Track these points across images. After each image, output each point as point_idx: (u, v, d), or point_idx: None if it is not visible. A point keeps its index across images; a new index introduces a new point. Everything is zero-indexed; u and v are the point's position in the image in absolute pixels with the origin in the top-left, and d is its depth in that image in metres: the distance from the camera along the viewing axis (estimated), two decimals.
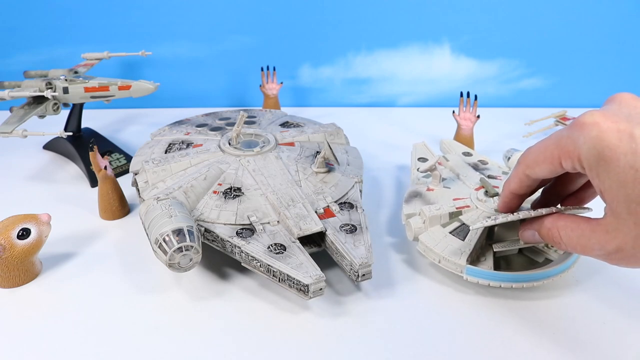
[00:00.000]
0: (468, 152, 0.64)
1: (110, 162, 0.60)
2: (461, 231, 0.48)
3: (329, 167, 0.56)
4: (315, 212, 0.49)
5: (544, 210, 0.41)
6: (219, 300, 0.46)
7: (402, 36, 0.93)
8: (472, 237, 0.47)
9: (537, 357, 0.40)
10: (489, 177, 0.56)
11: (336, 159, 0.55)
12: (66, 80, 0.64)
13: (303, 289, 0.42)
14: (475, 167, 0.59)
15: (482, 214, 0.49)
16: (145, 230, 0.45)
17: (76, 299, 0.47)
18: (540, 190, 0.45)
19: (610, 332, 0.42)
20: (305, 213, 0.48)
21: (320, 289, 0.42)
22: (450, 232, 0.48)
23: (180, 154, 0.57)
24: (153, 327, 0.43)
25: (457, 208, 0.50)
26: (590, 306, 0.45)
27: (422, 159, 0.62)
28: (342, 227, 0.48)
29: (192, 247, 0.42)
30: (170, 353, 0.41)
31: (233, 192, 0.51)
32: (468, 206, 0.50)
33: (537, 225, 0.41)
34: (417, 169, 0.58)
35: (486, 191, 0.51)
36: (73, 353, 0.41)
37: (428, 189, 0.54)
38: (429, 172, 0.55)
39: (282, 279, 0.43)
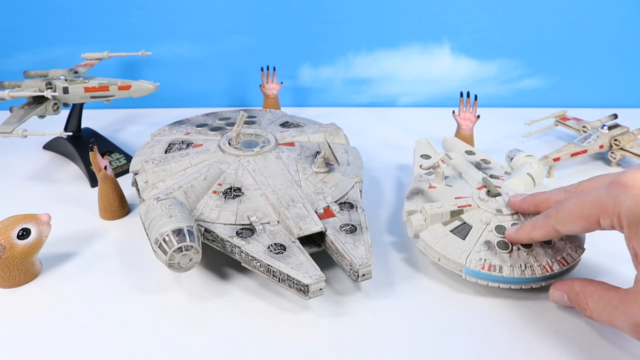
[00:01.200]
0: (471, 151, 0.63)
1: (110, 162, 0.60)
2: (462, 230, 0.48)
3: (329, 167, 0.56)
4: (315, 212, 0.49)
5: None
6: (219, 300, 0.46)
7: (402, 36, 0.93)
8: (473, 237, 0.47)
9: (538, 357, 0.40)
10: (492, 176, 0.56)
11: (336, 159, 0.55)
12: (66, 80, 0.64)
13: (303, 289, 0.42)
14: (478, 167, 0.59)
15: (483, 214, 0.49)
16: (145, 230, 0.45)
17: (76, 299, 0.47)
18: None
19: (611, 335, 0.42)
20: (305, 213, 0.48)
21: (320, 289, 0.42)
22: (451, 231, 0.48)
23: (180, 154, 0.57)
24: (153, 327, 0.43)
25: (458, 207, 0.49)
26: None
27: (425, 156, 0.62)
28: (342, 227, 0.48)
29: (192, 247, 0.42)
30: (170, 353, 0.41)
31: (233, 192, 0.51)
32: (470, 205, 0.50)
33: (566, 287, 0.40)
34: (420, 166, 0.58)
35: (488, 191, 0.51)
36: (73, 353, 0.41)
37: (430, 187, 0.54)
38: (431, 170, 0.55)
39: (282, 279, 0.43)
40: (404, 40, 0.93)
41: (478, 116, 0.72)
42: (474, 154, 0.63)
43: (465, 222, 0.48)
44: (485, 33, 0.91)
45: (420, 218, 0.49)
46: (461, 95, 0.72)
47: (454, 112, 0.73)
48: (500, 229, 0.47)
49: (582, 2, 0.88)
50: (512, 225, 0.47)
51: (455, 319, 0.44)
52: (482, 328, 0.43)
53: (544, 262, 0.45)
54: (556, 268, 0.44)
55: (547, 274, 0.44)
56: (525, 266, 0.44)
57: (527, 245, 0.45)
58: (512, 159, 0.61)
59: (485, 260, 0.45)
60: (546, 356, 0.40)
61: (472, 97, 0.72)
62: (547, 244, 0.46)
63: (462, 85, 0.94)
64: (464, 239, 0.47)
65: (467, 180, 0.55)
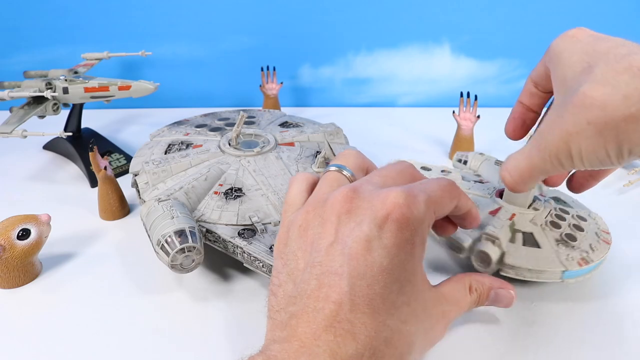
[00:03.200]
0: (426, 167, 0.59)
1: (110, 163, 0.60)
2: (529, 239, 0.46)
3: None
4: None
5: None
6: (220, 301, 0.46)
7: (402, 36, 0.93)
8: (544, 241, 0.46)
9: (536, 358, 0.40)
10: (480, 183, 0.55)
11: None
12: (66, 80, 0.64)
13: None
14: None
15: (526, 216, 0.48)
16: (146, 231, 0.45)
17: (76, 299, 0.47)
18: None
19: (608, 337, 0.42)
20: None
21: None
22: (523, 245, 0.46)
23: (180, 155, 0.57)
24: (154, 328, 0.43)
25: (509, 219, 0.47)
26: (592, 308, 0.45)
27: (446, 172, 0.58)
28: None
29: (194, 247, 0.42)
30: (172, 354, 0.41)
31: (234, 193, 0.51)
32: (514, 214, 0.48)
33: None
34: None
35: (501, 193, 0.51)
36: (73, 353, 0.41)
37: None
38: None
39: None
40: (404, 40, 0.93)
41: (478, 116, 0.72)
42: (430, 169, 0.59)
43: (523, 232, 0.47)
44: (485, 33, 0.92)
45: (493, 247, 0.45)
46: (461, 95, 0.72)
47: (454, 112, 0.73)
48: (554, 224, 0.47)
49: (582, 2, 0.88)
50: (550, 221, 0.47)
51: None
52: (483, 325, 0.43)
53: (599, 238, 0.47)
54: (608, 239, 0.47)
55: (609, 244, 0.46)
56: (595, 246, 0.46)
57: (579, 228, 0.47)
58: (466, 162, 0.60)
59: (573, 257, 0.44)
60: (545, 357, 0.40)
61: (472, 97, 0.72)
62: (581, 218, 0.49)
63: (462, 85, 0.94)
64: (540, 247, 0.45)
65: (478, 192, 0.53)
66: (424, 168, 0.59)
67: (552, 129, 0.32)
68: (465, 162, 0.60)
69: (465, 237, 0.46)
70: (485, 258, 0.44)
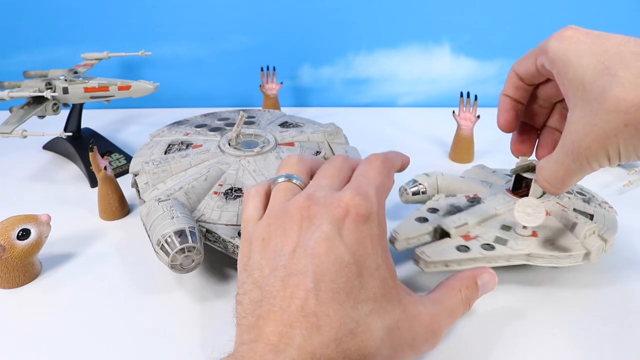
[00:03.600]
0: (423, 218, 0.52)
1: (110, 163, 0.60)
2: (586, 215, 0.48)
3: None
4: None
5: None
6: (221, 301, 0.46)
7: (402, 36, 0.93)
8: (589, 210, 0.49)
9: (537, 357, 0.40)
10: (475, 200, 0.52)
11: None
12: (66, 80, 0.64)
13: None
14: (457, 209, 0.52)
15: (556, 205, 0.49)
16: (146, 231, 0.45)
17: (76, 299, 0.47)
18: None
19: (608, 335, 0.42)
20: None
21: None
22: (593, 222, 0.47)
23: (180, 155, 0.57)
24: (154, 328, 0.43)
25: (567, 208, 0.48)
26: (591, 306, 0.45)
27: (432, 210, 0.52)
28: None
29: (194, 248, 0.42)
30: (172, 354, 0.41)
31: (234, 193, 0.51)
32: (558, 204, 0.49)
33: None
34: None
35: (515, 191, 0.52)
36: (73, 354, 0.41)
37: (525, 228, 0.47)
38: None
39: None
40: (404, 40, 0.93)
41: (478, 116, 0.72)
42: (454, 195, 0.54)
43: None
44: (485, 33, 0.92)
45: (596, 240, 0.44)
46: (461, 95, 0.72)
47: (454, 112, 0.73)
48: (577, 196, 0.51)
49: (582, 2, 0.88)
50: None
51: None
52: (483, 323, 0.43)
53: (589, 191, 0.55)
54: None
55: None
56: (594, 195, 0.53)
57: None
58: (424, 192, 0.54)
59: (607, 208, 0.51)
60: (546, 356, 0.40)
61: (472, 97, 0.72)
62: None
63: (462, 85, 0.94)
64: (594, 215, 0.48)
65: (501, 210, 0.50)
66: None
67: (584, 135, 0.34)
68: (424, 192, 0.54)
69: (576, 245, 0.44)
70: (603, 247, 0.45)
